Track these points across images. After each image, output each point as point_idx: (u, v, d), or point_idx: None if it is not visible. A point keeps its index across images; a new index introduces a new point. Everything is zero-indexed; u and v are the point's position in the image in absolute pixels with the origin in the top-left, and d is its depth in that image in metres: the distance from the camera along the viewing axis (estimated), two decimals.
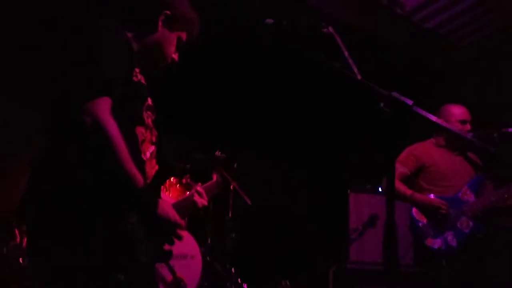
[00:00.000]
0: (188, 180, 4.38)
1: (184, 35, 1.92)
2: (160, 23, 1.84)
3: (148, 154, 1.78)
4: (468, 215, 3.25)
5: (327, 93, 4.50)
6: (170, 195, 4.20)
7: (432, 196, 3.36)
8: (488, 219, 3.33)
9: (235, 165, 4.65)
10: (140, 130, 1.74)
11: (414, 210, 3.34)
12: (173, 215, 1.69)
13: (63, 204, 1.53)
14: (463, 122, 3.45)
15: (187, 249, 3.86)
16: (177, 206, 2.13)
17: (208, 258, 4.21)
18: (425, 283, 3.28)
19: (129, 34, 1.80)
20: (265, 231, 5.57)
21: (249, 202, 4.49)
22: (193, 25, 1.94)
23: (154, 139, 1.83)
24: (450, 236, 3.21)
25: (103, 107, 1.52)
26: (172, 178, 4.26)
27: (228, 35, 4.14)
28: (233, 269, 4.38)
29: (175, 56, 1.94)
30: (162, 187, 4.24)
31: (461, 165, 3.49)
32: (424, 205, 3.30)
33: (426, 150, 3.53)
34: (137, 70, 1.76)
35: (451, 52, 5.15)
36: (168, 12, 1.84)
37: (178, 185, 4.26)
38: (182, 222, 1.73)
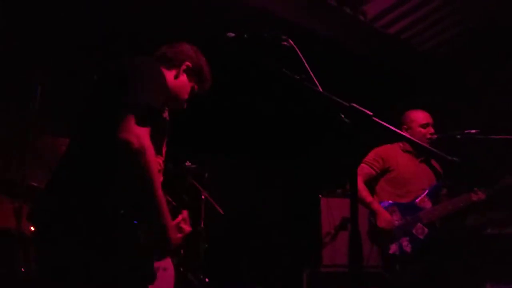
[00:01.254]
0: None
1: (196, 88, 2.16)
2: (181, 71, 2.08)
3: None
4: (424, 222, 3.32)
5: (293, 99, 4.54)
6: None
7: (388, 203, 3.42)
8: (448, 223, 3.42)
9: (206, 175, 4.65)
10: (158, 160, 1.87)
11: (372, 215, 3.40)
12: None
13: (93, 220, 1.63)
14: (425, 125, 3.53)
15: (159, 261, 3.83)
16: None
17: (181, 269, 4.18)
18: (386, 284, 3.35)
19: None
20: (238, 239, 5.57)
21: (221, 211, 4.49)
22: (206, 80, 2.18)
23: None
24: (405, 242, 3.26)
25: (146, 133, 1.66)
26: None
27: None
28: (207, 279, 4.37)
29: (185, 104, 2.16)
30: None
31: (423, 172, 3.55)
32: (378, 215, 3.34)
33: (393, 154, 3.57)
34: (166, 107, 1.92)
35: (414, 57, 5.26)
36: (189, 63, 2.09)
37: None
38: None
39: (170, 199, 4.43)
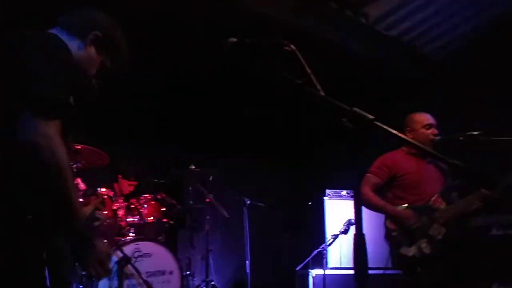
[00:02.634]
0: (163, 195, 4.38)
1: (108, 63, 1.86)
2: (88, 41, 1.78)
3: None
4: (440, 221, 3.31)
5: (299, 102, 4.55)
6: (146, 211, 4.19)
7: (403, 205, 3.40)
8: (461, 222, 3.40)
9: (211, 178, 4.67)
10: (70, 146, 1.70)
11: (387, 220, 3.40)
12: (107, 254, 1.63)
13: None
14: (428, 126, 3.53)
15: (165, 264, 3.85)
16: None
17: (187, 272, 4.21)
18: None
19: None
20: (242, 241, 5.58)
21: (225, 214, 4.50)
22: (120, 54, 1.88)
23: None
24: (423, 244, 3.25)
25: (56, 130, 1.46)
26: (147, 194, 4.25)
27: (193, 51, 4.16)
28: (213, 282, 4.38)
29: (94, 81, 1.85)
30: (137, 204, 4.20)
31: (432, 173, 3.53)
32: (394, 216, 3.35)
33: (398, 159, 3.55)
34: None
35: (416, 59, 5.26)
36: (98, 33, 1.80)
37: (153, 201, 4.25)
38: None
39: (175, 202, 4.45)
